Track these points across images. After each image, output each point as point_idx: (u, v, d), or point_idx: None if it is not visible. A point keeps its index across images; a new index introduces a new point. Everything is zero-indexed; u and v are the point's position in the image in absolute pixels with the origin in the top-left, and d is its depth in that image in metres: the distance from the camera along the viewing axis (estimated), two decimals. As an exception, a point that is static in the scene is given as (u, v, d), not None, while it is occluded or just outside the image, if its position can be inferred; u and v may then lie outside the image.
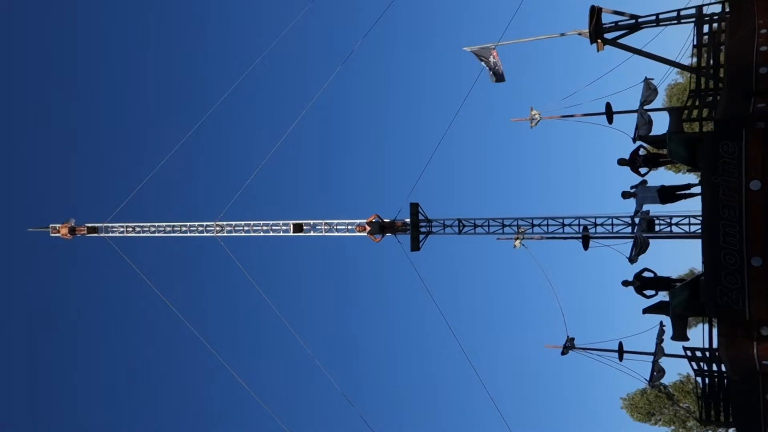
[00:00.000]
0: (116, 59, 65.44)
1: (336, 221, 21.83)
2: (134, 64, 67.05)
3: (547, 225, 19.71)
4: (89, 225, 25.71)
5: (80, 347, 54.28)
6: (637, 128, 17.71)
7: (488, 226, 20.21)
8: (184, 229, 24.01)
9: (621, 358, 18.05)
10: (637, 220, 18.40)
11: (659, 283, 17.22)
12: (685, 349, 16.41)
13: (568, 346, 19.00)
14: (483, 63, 18.71)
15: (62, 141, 60.27)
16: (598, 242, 19.42)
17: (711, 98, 17.25)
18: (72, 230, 25.75)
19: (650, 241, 18.12)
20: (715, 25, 16.35)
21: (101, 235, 25.53)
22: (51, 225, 26.08)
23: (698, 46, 16.66)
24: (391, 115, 77.71)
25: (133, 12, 64.56)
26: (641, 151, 18.01)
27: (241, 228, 23.10)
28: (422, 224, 20.69)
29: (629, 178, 18.19)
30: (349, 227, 21.53)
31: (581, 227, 19.32)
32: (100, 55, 64.07)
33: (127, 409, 53.67)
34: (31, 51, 57.48)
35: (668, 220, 18.41)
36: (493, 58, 18.49)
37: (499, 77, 18.77)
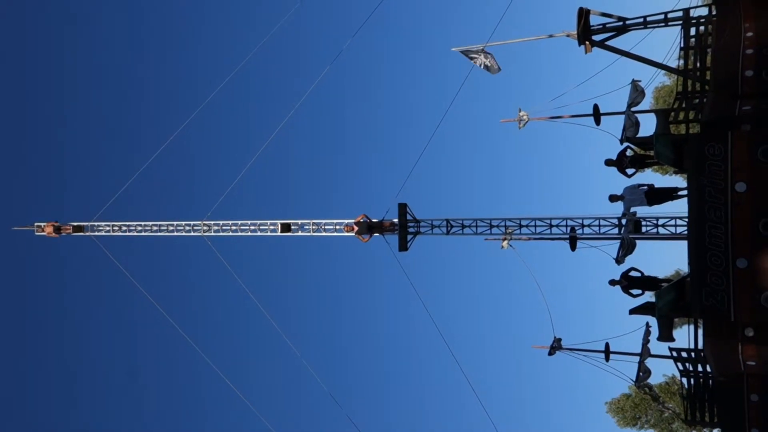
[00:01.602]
0: (103, 57, 65.08)
1: (324, 221, 21.79)
2: (121, 62, 66.64)
3: (535, 226, 19.76)
4: (75, 224, 25.53)
5: (67, 347, 53.93)
6: (624, 130, 17.77)
7: (476, 226, 20.24)
8: (170, 228, 23.88)
9: (607, 359, 18.12)
10: (624, 221, 18.49)
11: (646, 282, 17.29)
12: (670, 349, 16.49)
13: (555, 346, 19.05)
14: (474, 61, 18.72)
15: (48, 139, 59.89)
16: (586, 243, 19.50)
17: (697, 100, 17.35)
18: (57, 229, 25.55)
19: (637, 242, 18.20)
20: (701, 27, 16.44)
21: (87, 234, 25.36)
22: (36, 224, 25.88)
23: (685, 49, 16.75)
24: (380, 115, 77.81)
25: (120, 10, 64.23)
26: (628, 152, 18.10)
27: (229, 227, 23.01)
28: (410, 224, 20.69)
29: (616, 179, 18.29)
30: (337, 227, 21.49)
31: (568, 228, 19.38)
32: (87, 52, 63.67)
33: (113, 408, 53.34)
34: (14, 48, 57.04)
35: (655, 222, 18.52)
36: (483, 57, 18.50)
37: (493, 70, 18.73)
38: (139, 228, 24.33)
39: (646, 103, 25.31)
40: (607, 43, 16.64)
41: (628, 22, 16.39)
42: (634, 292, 17.31)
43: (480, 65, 18.76)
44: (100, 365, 53.48)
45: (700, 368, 16.25)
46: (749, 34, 14.51)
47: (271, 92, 65.54)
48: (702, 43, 16.52)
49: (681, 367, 16.54)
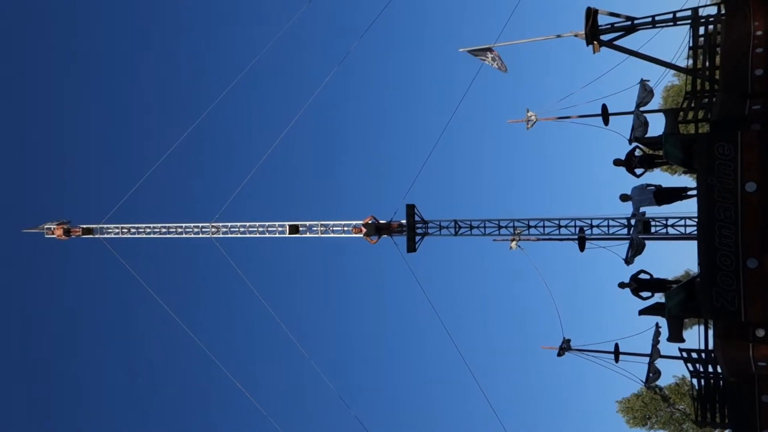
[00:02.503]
0: (112, 59, 65.40)
1: (332, 222, 21.79)
2: (130, 65, 66.98)
3: (543, 226, 19.69)
4: (84, 226, 25.65)
5: (77, 348, 54.17)
6: (632, 130, 17.71)
7: (484, 227, 20.19)
8: (179, 230, 23.94)
9: (617, 360, 18.05)
10: (633, 221, 18.41)
11: (655, 285, 17.20)
12: (680, 350, 16.41)
13: (564, 347, 18.99)
14: (482, 60, 18.68)
15: (57, 141, 60.21)
16: (594, 244, 19.42)
17: (707, 100, 17.27)
18: (67, 231, 25.67)
19: (646, 242, 18.12)
20: (710, 26, 16.36)
21: (96, 236, 25.46)
22: (46, 226, 26.00)
23: (694, 48, 16.67)
24: (388, 117, 77.88)
25: (129, 12, 64.54)
26: (637, 152, 18.03)
27: (237, 229, 23.05)
28: (418, 225, 20.65)
29: (625, 180, 18.23)
30: (345, 229, 21.49)
31: (577, 228, 19.31)
32: (95, 55, 64.01)
33: (123, 410, 53.53)
34: (25, 51, 57.35)
35: (664, 222, 18.42)
36: (492, 53, 18.44)
37: (502, 68, 18.69)
38: (148, 230, 24.41)
39: (655, 102, 25.23)
40: (616, 42, 16.56)
41: (636, 21, 16.31)
42: (644, 294, 17.22)
43: (490, 62, 18.70)
44: (109, 366, 53.73)
45: (710, 369, 16.16)
46: (759, 32, 14.42)
47: (279, 94, 65.69)
48: (711, 43, 16.43)
49: (691, 368, 16.45)
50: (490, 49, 18.47)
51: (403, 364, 69.10)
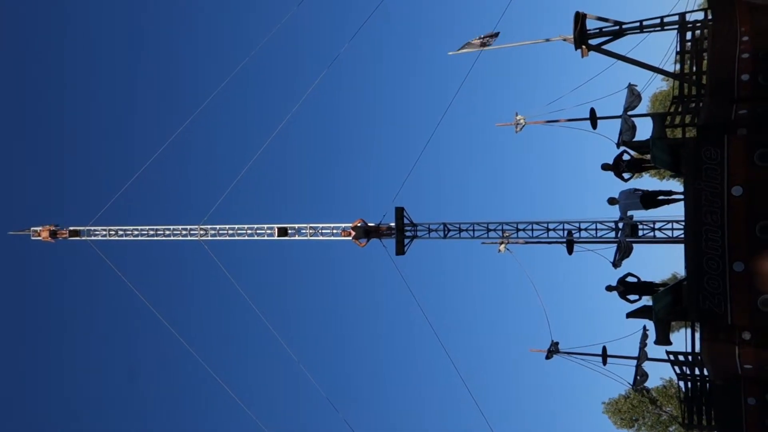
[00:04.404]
0: (101, 61, 65.05)
1: (321, 225, 21.76)
2: (119, 67, 66.67)
3: (532, 229, 19.76)
4: (71, 228, 25.45)
5: (65, 350, 53.76)
6: (620, 134, 17.80)
7: (473, 230, 20.23)
8: (167, 232, 23.82)
9: (605, 362, 18.12)
10: (620, 224, 18.49)
11: (642, 287, 17.29)
12: (668, 353, 16.50)
13: (553, 350, 19.04)
14: (474, 49, 18.58)
15: (45, 143, 59.78)
16: (582, 247, 19.51)
17: (694, 104, 17.39)
18: (53, 233, 25.47)
19: (633, 245, 18.21)
20: (698, 32, 16.48)
21: (83, 238, 25.27)
22: (32, 228, 25.81)
23: (681, 53, 16.79)
24: (377, 120, 77.91)
25: (117, 13, 64.25)
26: (625, 157, 18.12)
27: (225, 232, 22.95)
28: (407, 228, 20.67)
29: (613, 183, 18.33)
30: (334, 231, 21.46)
31: (565, 232, 19.38)
32: (85, 57, 63.64)
33: (112, 411, 53.16)
34: (13, 52, 56.95)
35: (651, 225, 18.53)
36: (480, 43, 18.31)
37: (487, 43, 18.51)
38: (136, 232, 24.27)
39: (643, 107, 25.42)
40: (604, 47, 16.65)
41: (624, 26, 16.39)
42: (631, 297, 17.31)
43: (478, 46, 18.51)
44: (97, 368, 53.36)
45: (697, 372, 16.26)
46: (745, 38, 14.55)
47: (268, 96, 65.58)
48: (698, 48, 16.56)
49: (678, 371, 16.55)
50: (490, 35, 18.22)
51: (393, 366, 69.10)
